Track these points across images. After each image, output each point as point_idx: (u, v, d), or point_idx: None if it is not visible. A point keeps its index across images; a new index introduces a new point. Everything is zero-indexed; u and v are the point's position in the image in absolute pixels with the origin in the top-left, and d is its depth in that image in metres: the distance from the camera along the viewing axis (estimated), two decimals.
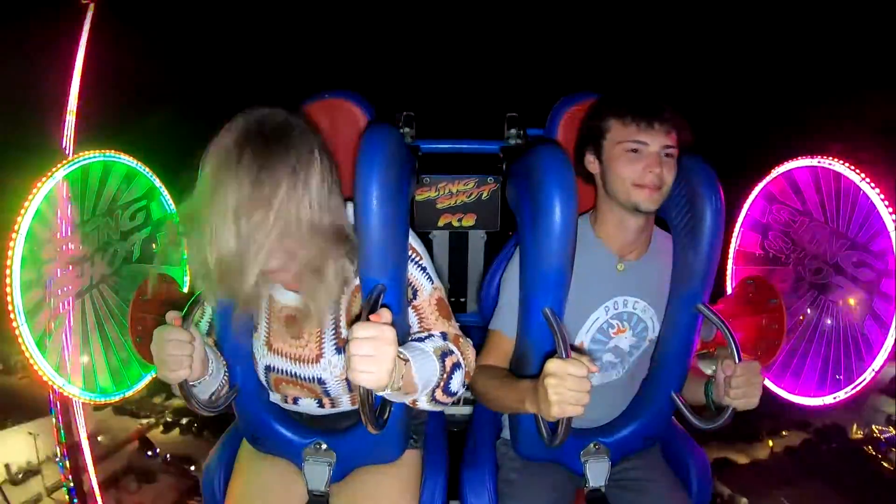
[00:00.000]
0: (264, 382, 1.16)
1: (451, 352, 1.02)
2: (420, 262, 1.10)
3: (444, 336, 1.07)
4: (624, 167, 1.16)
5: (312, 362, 1.10)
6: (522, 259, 1.15)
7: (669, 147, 1.15)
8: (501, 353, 1.23)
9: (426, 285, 1.10)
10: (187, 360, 0.96)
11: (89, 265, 1.77)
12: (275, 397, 1.22)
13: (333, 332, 1.09)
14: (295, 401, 1.20)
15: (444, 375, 0.99)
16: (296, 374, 1.12)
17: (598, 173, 1.22)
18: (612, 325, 1.24)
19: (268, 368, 1.13)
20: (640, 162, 1.15)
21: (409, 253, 1.08)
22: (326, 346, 1.09)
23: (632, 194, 1.16)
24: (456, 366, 1.01)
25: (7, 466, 15.81)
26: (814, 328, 1.85)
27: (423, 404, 1.00)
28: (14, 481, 15.66)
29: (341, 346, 1.08)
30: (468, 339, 1.11)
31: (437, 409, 1.04)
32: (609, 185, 1.19)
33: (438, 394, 1.00)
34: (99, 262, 1.80)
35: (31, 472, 16.10)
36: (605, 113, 1.19)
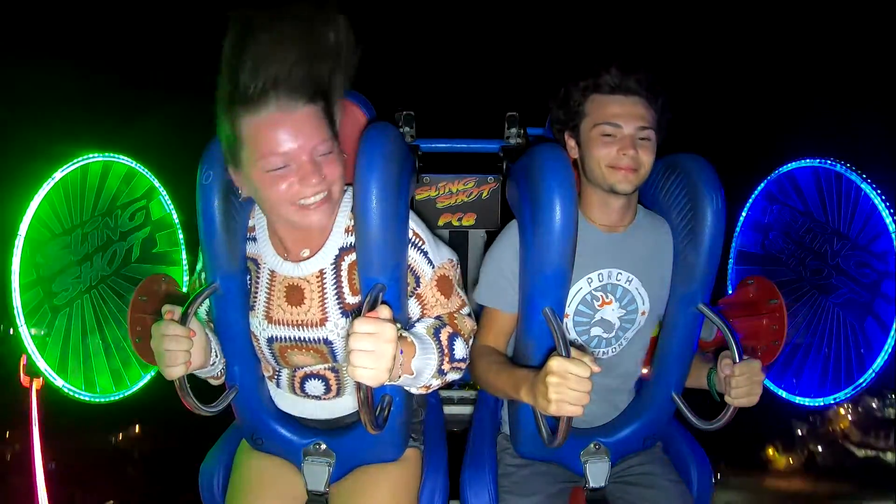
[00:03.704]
0: (269, 358, 1.16)
1: (444, 325, 1.06)
2: (422, 247, 1.10)
3: (438, 317, 1.10)
4: (599, 150, 1.18)
5: (317, 325, 1.11)
6: (522, 259, 1.15)
7: (644, 129, 1.17)
8: (499, 330, 1.24)
9: (427, 270, 1.10)
10: (184, 356, 0.96)
11: (89, 265, 1.77)
12: (283, 387, 1.22)
13: (336, 297, 1.09)
14: (302, 385, 1.19)
15: (446, 348, 1.03)
16: (300, 338, 1.12)
17: (578, 157, 1.24)
18: (596, 297, 1.24)
19: (270, 340, 1.13)
20: (614, 144, 1.17)
21: (411, 237, 1.09)
22: (331, 310, 1.10)
23: (608, 176, 1.18)
24: (452, 336, 1.06)
25: None
26: (814, 329, 1.85)
27: (435, 383, 1.04)
28: None
29: (347, 311, 1.09)
30: (462, 314, 1.14)
31: (455, 377, 1.08)
32: (587, 168, 1.22)
33: (446, 366, 1.04)
34: (98, 262, 1.80)
35: None
36: (581, 95, 1.22)
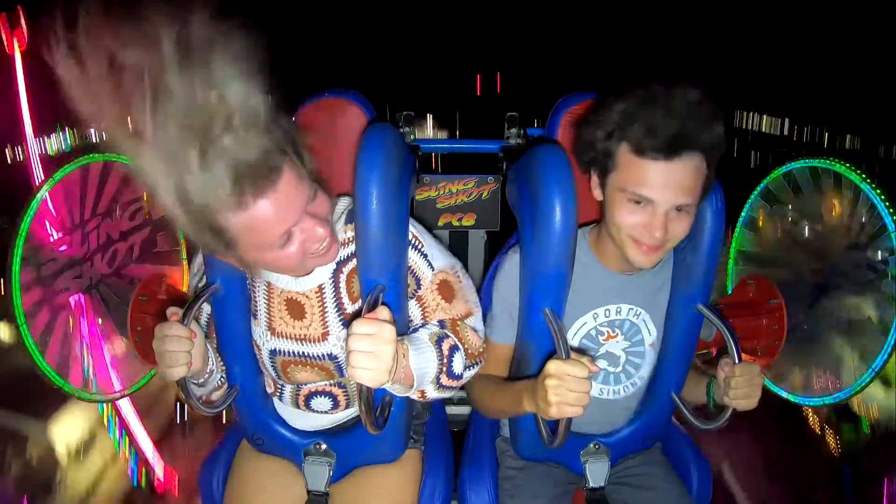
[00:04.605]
0: (271, 371, 1.15)
1: (447, 335, 1.04)
2: (421, 249, 1.09)
3: (442, 324, 1.09)
4: (623, 216, 1.01)
5: (319, 340, 1.10)
6: (522, 259, 1.15)
7: (685, 205, 0.97)
8: (498, 361, 1.22)
9: (427, 273, 1.10)
10: (185, 356, 0.96)
11: (89, 265, 1.77)
12: (286, 402, 1.21)
13: (336, 309, 1.09)
14: (307, 401, 1.19)
15: (444, 360, 1.01)
16: (304, 353, 1.11)
17: (601, 201, 1.10)
18: (601, 332, 1.22)
19: (273, 353, 1.12)
20: (642, 216, 1.00)
21: (411, 239, 1.08)
22: (331, 324, 1.09)
23: (626, 247, 1.04)
24: (454, 348, 1.03)
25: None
26: (814, 328, 1.85)
27: (432, 393, 1.02)
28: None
29: (347, 321, 1.08)
30: (467, 324, 1.11)
31: (448, 394, 1.06)
32: (606, 222, 1.08)
33: (444, 379, 1.02)
34: (98, 262, 1.80)
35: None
36: (610, 143, 1.00)
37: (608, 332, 1.22)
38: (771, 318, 1.42)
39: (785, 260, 1.94)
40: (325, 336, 1.10)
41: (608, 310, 1.21)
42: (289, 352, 1.12)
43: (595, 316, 1.21)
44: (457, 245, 1.87)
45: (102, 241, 1.81)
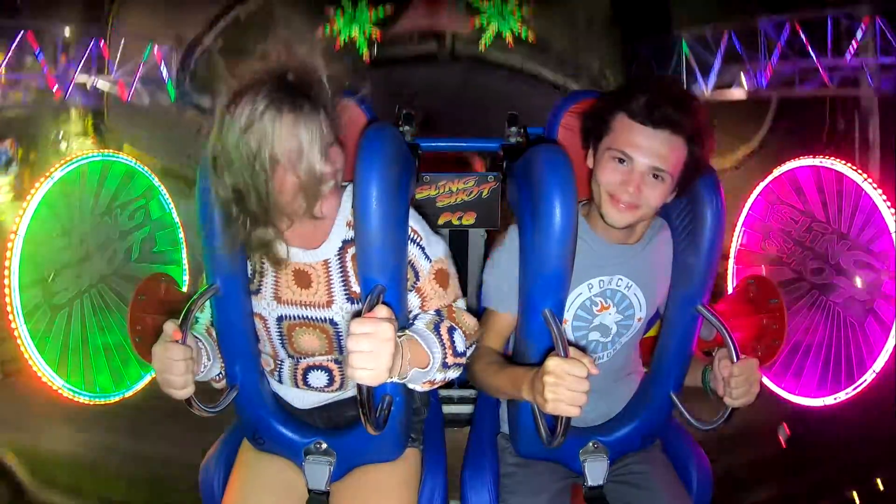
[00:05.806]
0: (277, 339, 1.17)
1: (441, 319, 1.08)
2: (420, 242, 1.12)
3: (438, 312, 1.12)
4: (606, 174, 1.12)
5: (324, 306, 1.13)
6: (522, 260, 1.15)
7: (659, 170, 1.09)
8: (498, 330, 1.24)
9: (425, 266, 1.12)
10: (192, 376, 0.98)
11: (88, 265, 1.77)
12: (285, 380, 1.22)
13: (343, 283, 1.12)
14: (305, 377, 1.20)
15: (446, 343, 1.04)
16: (307, 316, 1.14)
17: (592, 169, 1.19)
18: (595, 302, 1.23)
19: (280, 318, 1.15)
20: (622, 174, 1.10)
21: (410, 234, 1.10)
22: (337, 293, 1.12)
23: (604, 204, 1.13)
24: (451, 329, 1.07)
25: None
26: (814, 328, 1.85)
27: (439, 377, 1.05)
28: None
29: (353, 298, 1.11)
30: (460, 308, 1.15)
31: (454, 374, 1.09)
32: (592, 185, 1.17)
33: (449, 359, 1.05)
34: (98, 261, 1.81)
35: None
36: (611, 109, 1.13)
37: (601, 302, 1.24)
38: (771, 317, 1.42)
39: (785, 259, 1.94)
40: (329, 304, 1.12)
41: (602, 280, 1.22)
42: (294, 315, 1.14)
43: (590, 286, 1.22)
44: (457, 244, 1.87)
45: (102, 241, 1.81)
